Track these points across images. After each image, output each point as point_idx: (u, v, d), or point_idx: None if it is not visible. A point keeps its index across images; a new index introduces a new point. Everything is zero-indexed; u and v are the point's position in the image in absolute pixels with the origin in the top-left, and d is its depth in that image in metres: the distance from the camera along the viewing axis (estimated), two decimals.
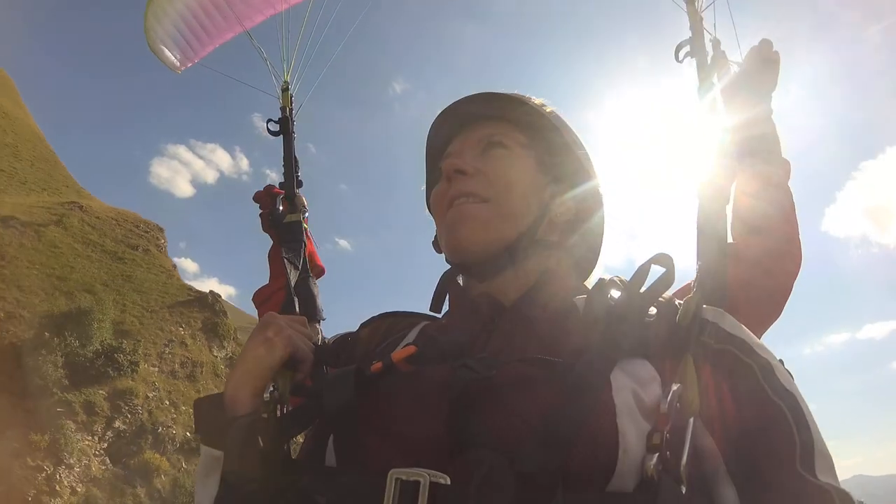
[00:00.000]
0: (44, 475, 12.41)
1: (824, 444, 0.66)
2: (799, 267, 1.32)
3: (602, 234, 1.02)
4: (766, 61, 1.38)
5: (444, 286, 0.94)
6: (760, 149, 1.36)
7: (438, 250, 1.01)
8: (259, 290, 1.56)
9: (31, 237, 15.64)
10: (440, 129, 1.01)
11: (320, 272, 1.62)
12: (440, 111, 1.00)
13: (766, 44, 1.41)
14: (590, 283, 1.00)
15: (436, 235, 1.01)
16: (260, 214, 1.61)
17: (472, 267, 0.90)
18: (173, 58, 1.90)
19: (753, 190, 1.32)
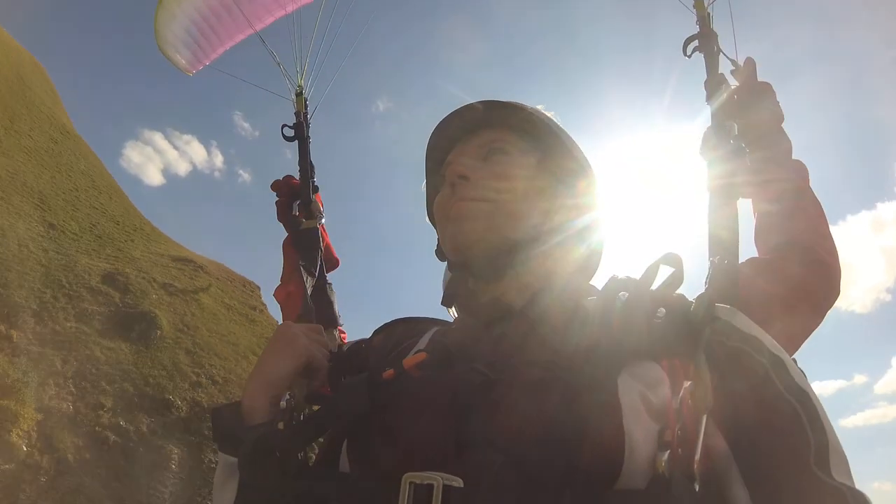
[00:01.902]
0: None
1: (839, 443, 0.65)
2: (836, 274, 1.18)
3: (605, 234, 1.02)
4: (756, 91, 1.35)
5: (454, 290, 0.95)
6: (770, 146, 1.30)
7: (442, 258, 1.03)
8: (278, 287, 1.55)
9: (192, 304, 14.99)
10: (441, 136, 1.02)
11: (335, 264, 1.63)
12: (441, 119, 1.00)
13: (749, 67, 1.38)
14: (596, 282, 1.01)
15: (438, 244, 1.02)
16: (276, 202, 1.59)
17: (475, 265, 0.91)
18: (184, 60, 1.89)
19: (769, 201, 1.25)
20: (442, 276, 1.71)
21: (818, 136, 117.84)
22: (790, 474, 0.63)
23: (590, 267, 1.02)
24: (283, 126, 1.63)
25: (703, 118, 1.27)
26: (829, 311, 1.18)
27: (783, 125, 1.35)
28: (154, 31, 1.78)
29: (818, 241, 1.19)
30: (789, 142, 1.33)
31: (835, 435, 0.65)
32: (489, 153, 0.94)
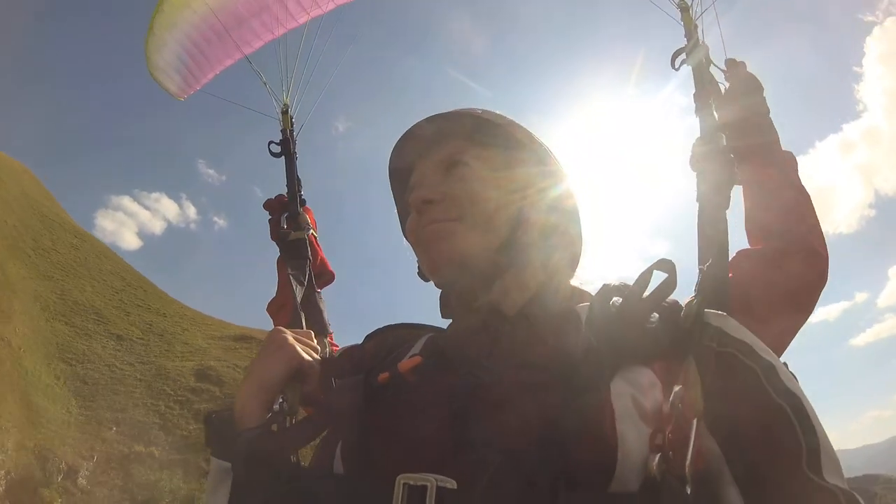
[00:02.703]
0: None
1: (831, 446, 0.65)
2: (823, 263, 1.23)
3: (579, 220, 1.02)
4: (748, 84, 1.39)
5: (447, 299, 0.95)
6: (759, 148, 1.33)
7: (424, 279, 1.02)
8: (271, 301, 1.59)
9: None
10: (400, 156, 1.02)
11: (330, 278, 1.68)
12: (397, 139, 1.01)
13: (739, 65, 1.43)
14: (584, 277, 1.03)
15: (418, 266, 1.02)
16: (269, 221, 1.64)
17: (459, 284, 0.90)
18: (174, 86, 1.93)
19: (758, 193, 1.29)
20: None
21: (778, 66, 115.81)
22: (782, 476, 0.64)
23: (573, 255, 1.02)
24: (270, 143, 1.68)
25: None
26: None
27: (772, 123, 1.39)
28: (145, 57, 1.82)
29: (809, 231, 1.24)
30: (776, 133, 1.36)
31: (826, 437, 0.66)
32: (449, 167, 0.94)
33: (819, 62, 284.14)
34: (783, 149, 1.35)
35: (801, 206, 1.27)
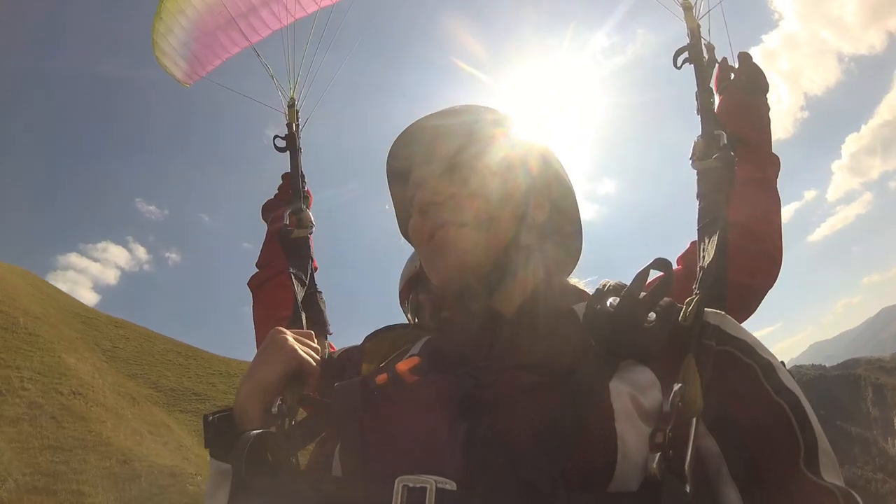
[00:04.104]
0: None
1: (828, 444, 0.66)
2: (776, 268, 1.26)
3: (579, 218, 1.03)
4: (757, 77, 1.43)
5: (446, 299, 0.95)
6: (749, 140, 1.34)
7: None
8: (254, 275, 1.56)
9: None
10: (398, 155, 1.01)
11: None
12: (397, 137, 1.00)
13: (747, 58, 1.46)
14: (581, 274, 1.03)
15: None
16: (264, 210, 1.67)
17: (466, 292, 0.90)
18: (180, 72, 1.92)
19: (736, 190, 1.29)
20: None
21: None
22: (780, 475, 0.65)
23: (574, 251, 1.03)
24: (276, 137, 1.65)
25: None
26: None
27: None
28: (152, 42, 1.82)
29: (771, 233, 1.27)
30: (770, 134, 1.40)
31: (824, 436, 0.66)
32: (451, 168, 0.94)
33: None
34: (772, 152, 1.38)
35: (769, 209, 1.30)
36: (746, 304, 1.24)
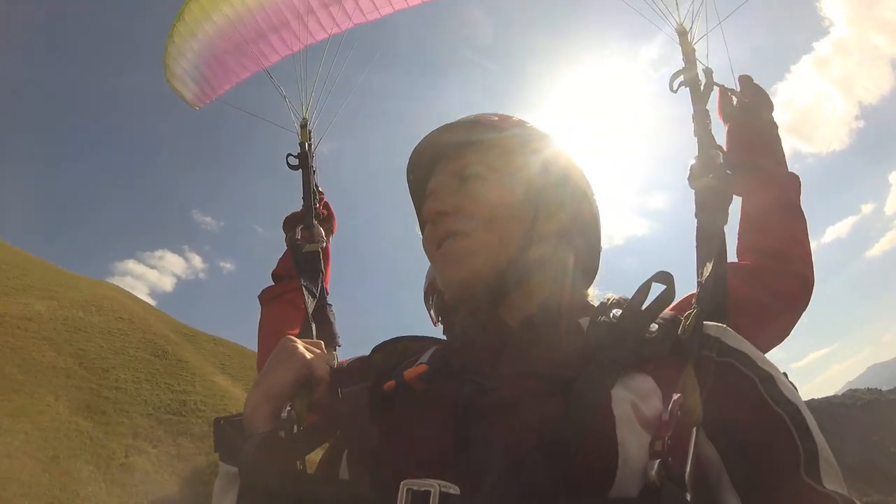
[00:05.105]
0: None
1: (829, 453, 0.66)
2: (809, 290, 1.25)
3: (598, 229, 1.03)
4: (760, 97, 1.45)
5: (456, 309, 0.98)
6: (764, 166, 1.35)
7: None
8: (267, 288, 1.60)
9: None
10: (416, 167, 1.03)
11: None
12: (413, 150, 1.02)
13: (748, 80, 1.48)
14: (595, 286, 1.04)
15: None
16: (283, 229, 1.68)
17: (472, 303, 0.92)
18: (190, 94, 1.96)
19: (757, 211, 1.31)
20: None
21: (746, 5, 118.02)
22: (780, 483, 0.65)
23: (590, 265, 1.03)
24: (288, 155, 1.70)
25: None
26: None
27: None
28: (164, 65, 1.86)
29: (802, 256, 1.26)
30: (783, 152, 1.41)
31: (826, 446, 0.67)
32: (463, 179, 0.95)
33: None
34: (789, 171, 1.38)
35: (796, 230, 1.29)
36: (782, 329, 1.23)
